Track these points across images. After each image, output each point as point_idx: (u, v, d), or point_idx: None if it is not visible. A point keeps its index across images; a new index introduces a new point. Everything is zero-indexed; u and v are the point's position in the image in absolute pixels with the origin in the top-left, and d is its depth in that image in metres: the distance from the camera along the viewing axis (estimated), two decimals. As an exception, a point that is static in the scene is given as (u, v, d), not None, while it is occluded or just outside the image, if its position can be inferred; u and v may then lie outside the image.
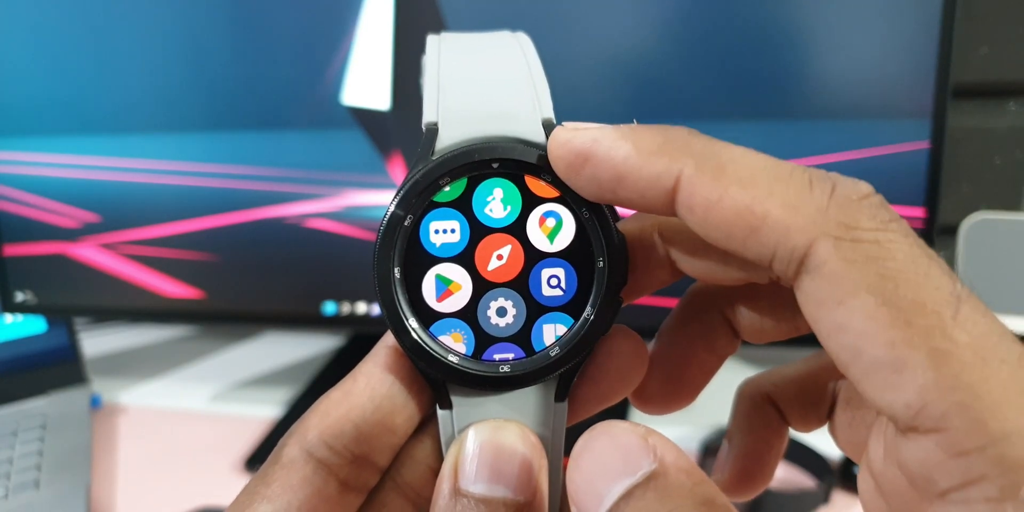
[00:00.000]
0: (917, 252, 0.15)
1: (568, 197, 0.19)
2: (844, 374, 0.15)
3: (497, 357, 0.19)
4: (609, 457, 0.16)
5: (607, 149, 0.17)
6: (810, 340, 0.22)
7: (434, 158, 0.19)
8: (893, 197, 0.46)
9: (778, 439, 0.24)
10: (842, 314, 0.15)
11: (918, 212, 0.52)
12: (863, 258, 0.15)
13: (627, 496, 0.15)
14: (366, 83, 0.56)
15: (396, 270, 0.19)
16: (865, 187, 0.16)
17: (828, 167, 0.17)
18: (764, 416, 0.23)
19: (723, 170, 0.16)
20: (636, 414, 0.60)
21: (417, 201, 0.19)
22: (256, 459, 0.59)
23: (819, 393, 0.23)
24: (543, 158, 0.18)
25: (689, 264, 0.20)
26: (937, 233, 0.52)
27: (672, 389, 0.22)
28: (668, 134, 0.17)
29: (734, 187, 0.16)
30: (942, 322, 0.14)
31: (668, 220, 0.20)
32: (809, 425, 0.23)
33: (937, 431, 0.14)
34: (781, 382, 0.24)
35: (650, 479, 0.15)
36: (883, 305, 0.14)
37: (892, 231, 0.15)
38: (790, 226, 0.15)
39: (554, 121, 0.19)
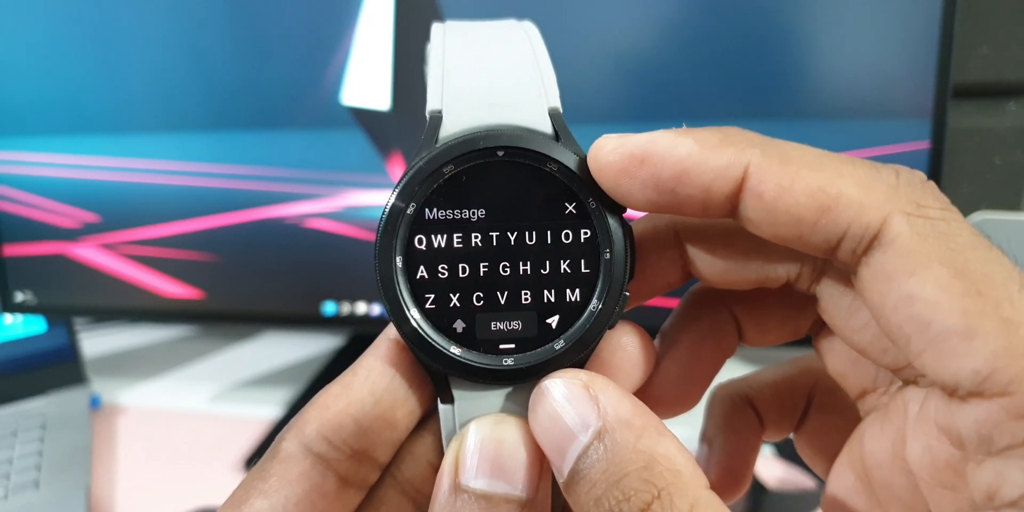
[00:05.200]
0: (976, 232, 0.16)
1: (575, 188, 0.18)
2: (903, 349, 0.16)
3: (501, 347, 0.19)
4: (560, 412, 0.17)
5: (668, 147, 0.17)
6: (805, 342, 0.22)
7: (438, 146, 0.18)
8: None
9: (758, 440, 0.24)
10: (914, 285, 0.15)
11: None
12: (934, 233, 0.16)
13: (583, 456, 0.16)
14: (366, 83, 0.56)
15: (398, 260, 0.18)
16: (921, 174, 0.17)
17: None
18: (745, 418, 0.24)
19: (789, 157, 0.17)
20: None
21: (420, 190, 0.18)
22: (256, 459, 0.59)
23: (794, 399, 0.23)
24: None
25: (706, 266, 0.20)
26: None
27: (679, 390, 0.22)
28: (725, 130, 0.18)
29: (805, 170, 0.16)
30: (1010, 294, 0.15)
31: (685, 221, 0.20)
32: (781, 432, 0.24)
33: (1004, 395, 0.15)
34: (760, 386, 0.24)
35: (597, 437, 0.16)
36: (955, 277, 0.15)
37: (953, 211, 0.16)
38: (864, 203, 0.16)
39: (560, 110, 0.19)
